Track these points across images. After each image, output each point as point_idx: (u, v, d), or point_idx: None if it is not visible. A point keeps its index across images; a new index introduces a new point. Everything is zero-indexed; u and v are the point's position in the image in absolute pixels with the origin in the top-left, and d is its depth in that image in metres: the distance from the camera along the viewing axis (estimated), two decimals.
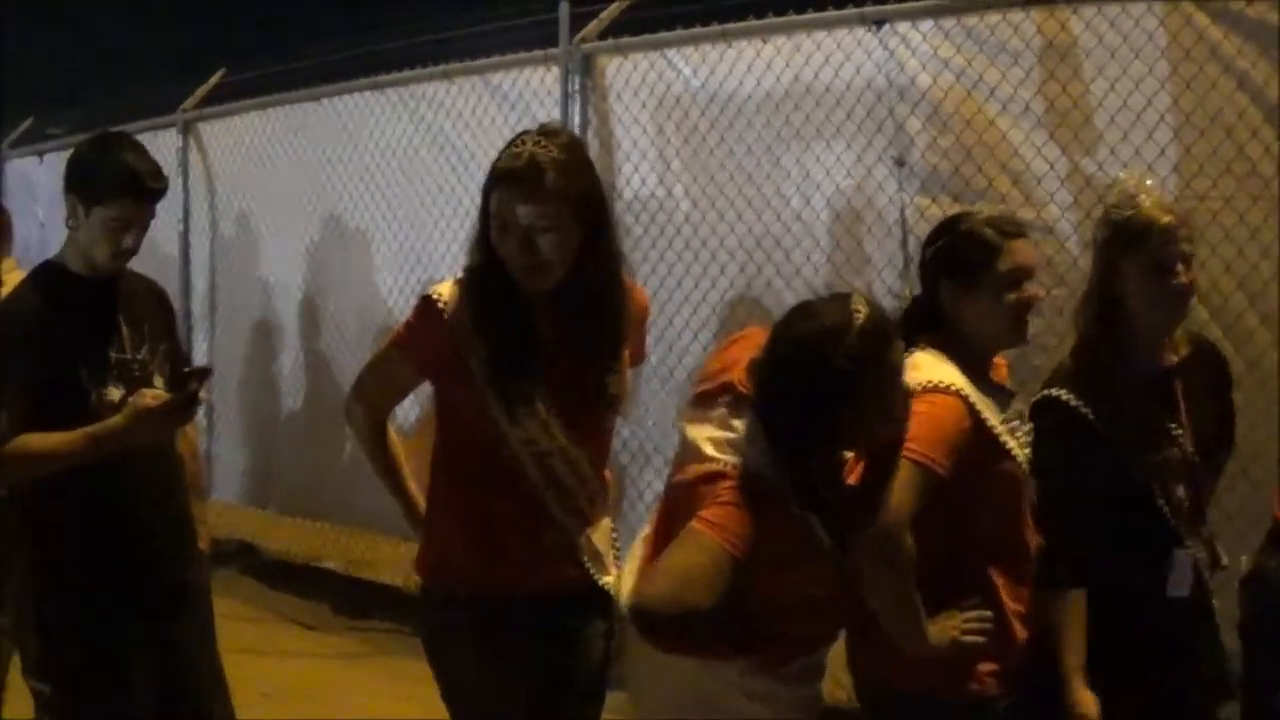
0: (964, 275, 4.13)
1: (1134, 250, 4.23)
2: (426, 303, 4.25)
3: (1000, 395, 4.21)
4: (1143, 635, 4.27)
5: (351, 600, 10.15)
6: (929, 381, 4.00)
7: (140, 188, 4.83)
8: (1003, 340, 4.21)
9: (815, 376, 3.75)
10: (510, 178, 4.04)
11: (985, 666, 4.09)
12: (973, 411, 4.03)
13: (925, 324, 4.22)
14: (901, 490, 3.85)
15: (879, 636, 4.02)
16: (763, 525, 3.76)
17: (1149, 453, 4.29)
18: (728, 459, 3.92)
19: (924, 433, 3.91)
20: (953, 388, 4.02)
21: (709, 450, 3.97)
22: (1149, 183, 4.44)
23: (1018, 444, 4.14)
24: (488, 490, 4.23)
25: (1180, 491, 4.36)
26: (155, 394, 4.80)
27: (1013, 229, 4.16)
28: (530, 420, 4.15)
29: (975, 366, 4.15)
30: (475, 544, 4.25)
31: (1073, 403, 4.25)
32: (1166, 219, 4.24)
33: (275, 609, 10.16)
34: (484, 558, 4.23)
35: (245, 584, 10.67)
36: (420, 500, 4.53)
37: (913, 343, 4.12)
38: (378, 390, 4.49)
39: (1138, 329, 4.31)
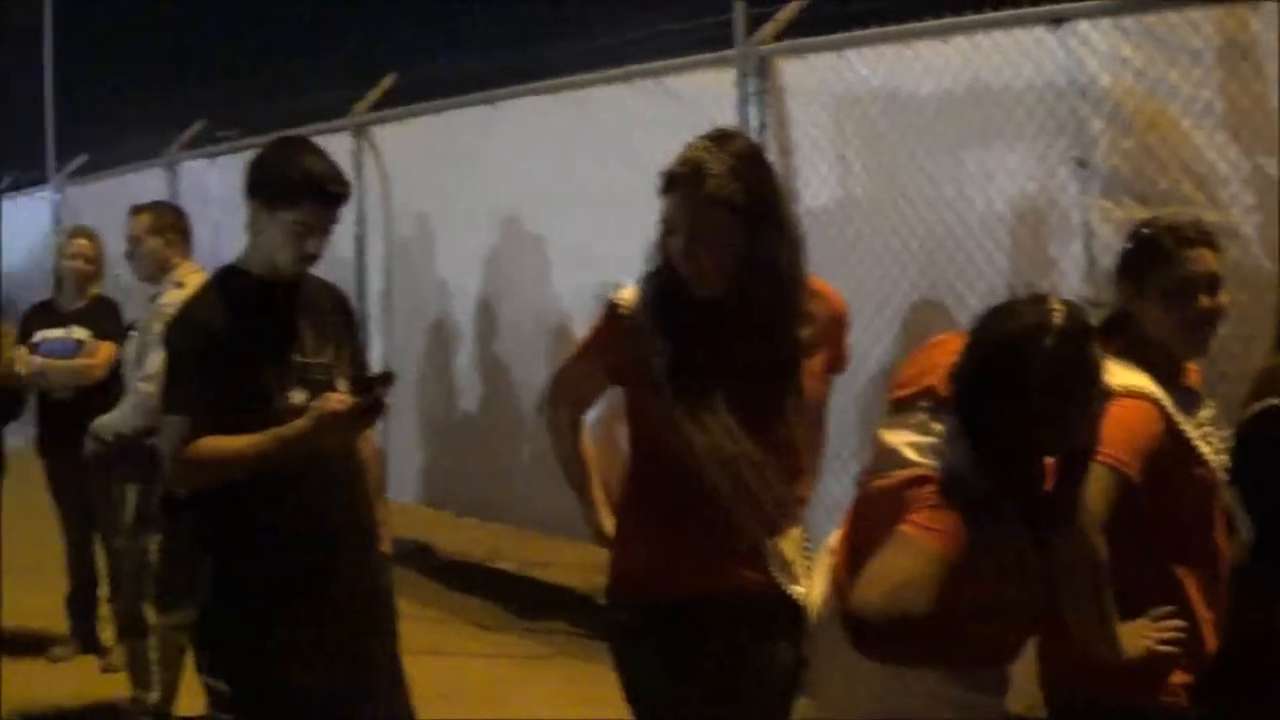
0: (1137, 281, 4.22)
1: None
2: (610, 308, 4.38)
3: (1191, 399, 4.25)
4: None
5: (528, 601, 10.29)
6: (1121, 386, 4.00)
7: (324, 192, 4.92)
8: (1180, 350, 4.24)
9: (1017, 376, 3.74)
10: (675, 181, 4.17)
11: (1178, 677, 4.12)
12: (1165, 415, 4.07)
13: (1116, 329, 4.22)
14: (1093, 495, 3.87)
15: (1071, 644, 4.03)
16: (971, 528, 3.74)
17: None
18: (930, 463, 3.90)
19: (1115, 436, 3.92)
20: (1145, 392, 4.06)
21: (910, 455, 3.94)
22: None
23: (1211, 449, 4.17)
24: (674, 495, 4.30)
25: None
26: (340, 398, 4.86)
27: (1193, 236, 4.20)
28: (714, 425, 4.19)
29: (1164, 371, 4.18)
30: (662, 548, 4.34)
31: None
32: None
33: (452, 609, 10.30)
34: (670, 562, 4.32)
35: (422, 584, 10.77)
36: (603, 506, 4.65)
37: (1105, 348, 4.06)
38: (571, 393, 4.63)
39: None
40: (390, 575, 5.51)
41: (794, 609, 4.34)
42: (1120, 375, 4.03)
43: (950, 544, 3.72)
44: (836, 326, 4.54)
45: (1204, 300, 4.15)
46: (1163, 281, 4.14)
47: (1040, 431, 3.84)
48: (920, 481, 3.89)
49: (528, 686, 8.54)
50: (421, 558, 11.57)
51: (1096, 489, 3.89)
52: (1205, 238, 4.21)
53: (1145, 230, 4.28)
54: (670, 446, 4.25)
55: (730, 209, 4.10)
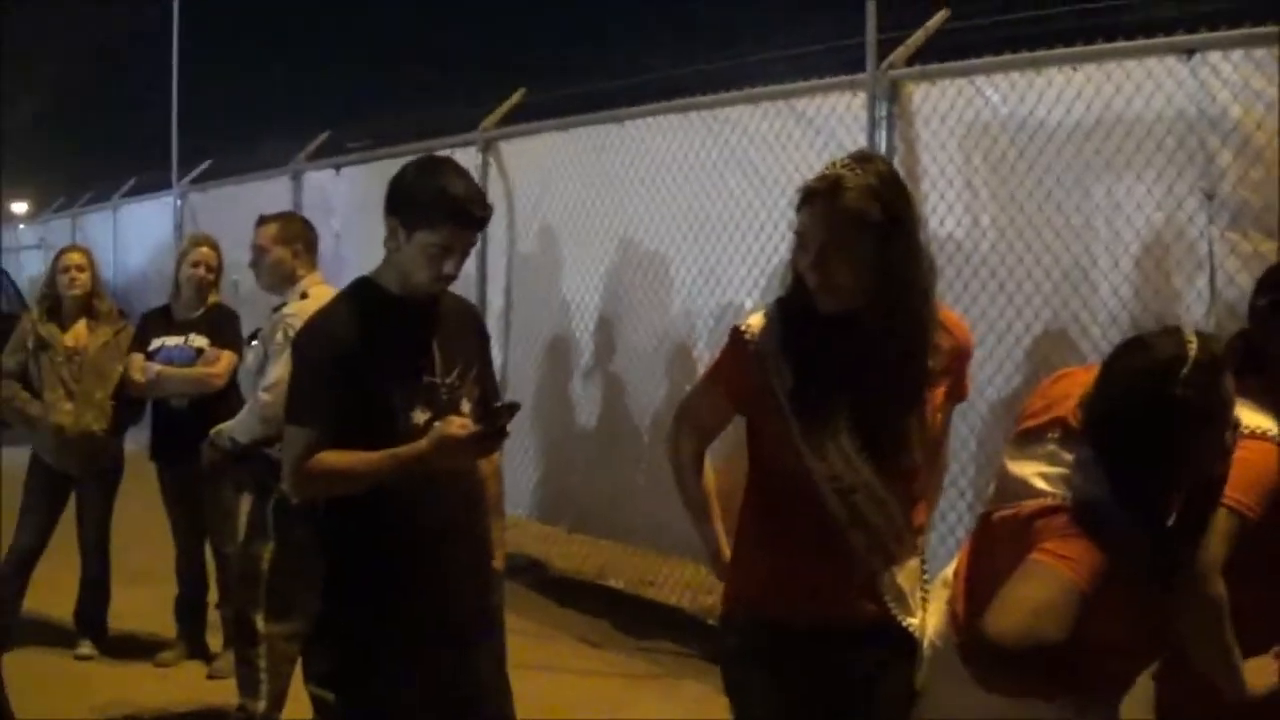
0: None
1: None
2: (735, 334, 4.41)
3: None
4: None
5: (637, 619, 10.32)
6: (1246, 427, 4.03)
7: (465, 215, 4.91)
8: None
9: (1153, 406, 3.80)
10: (812, 195, 4.20)
11: None
12: None
13: (1248, 366, 4.22)
14: (1215, 536, 3.89)
15: (1192, 678, 4.04)
16: (1105, 558, 3.77)
17: None
18: (1061, 493, 3.95)
19: (1238, 478, 3.94)
20: (1270, 434, 4.07)
21: (1040, 484, 4.00)
22: None
23: None
24: (792, 523, 4.35)
25: None
26: (463, 423, 4.88)
27: None
28: (834, 453, 4.25)
29: None
30: (777, 575, 4.38)
31: None
32: None
33: (561, 625, 10.36)
34: (786, 589, 4.36)
35: (532, 599, 10.86)
36: (724, 540, 4.66)
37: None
38: (696, 423, 4.66)
39: None
40: (502, 591, 5.54)
41: (909, 641, 4.36)
42: (1246, 416, 4.05)
43: (1084, 573, 3.75)
44: (961, 358, 4.55)
45: None
46: None
47: (1175, 462, 3.89)
48: (1052, 511, 3.93)
49: (635, 705, 8.56)
50: (533, 573, 11.68)
51: (1218, 532, 3.90)
52: None
53: None
54: (791, 472, 4.31)
55: (865, 223, 4.13)
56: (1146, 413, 3.84)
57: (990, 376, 7.61)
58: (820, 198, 4.18)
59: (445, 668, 5.12)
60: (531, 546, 11.95)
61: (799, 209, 4.25)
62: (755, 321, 4.40)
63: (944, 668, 4.19)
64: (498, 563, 5.48)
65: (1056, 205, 7.44)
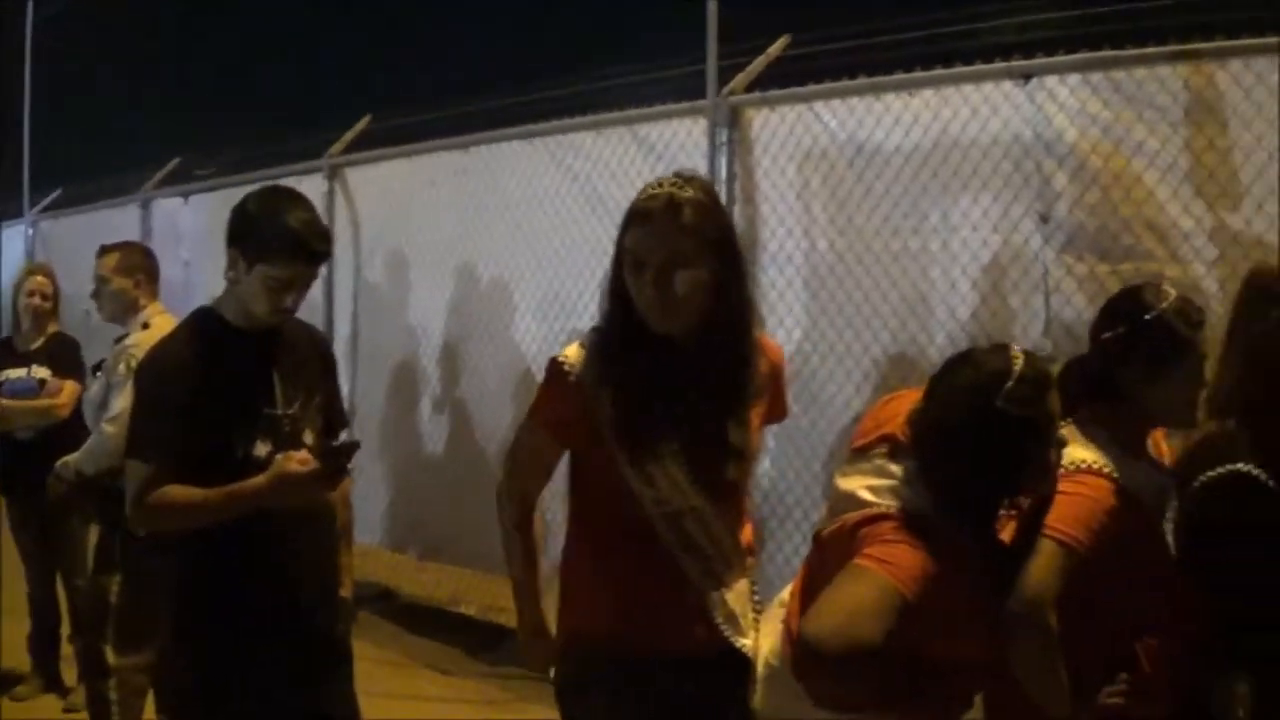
0: (1154, 365, 4.20)
1: None
2: (554, 366, 4.29)
3: (1154, 469, 4.29)
4: None
5: (488, 645, 10.21)
6: (1080, 462, 4.09)
7: (305, 251, 4.82)
8: (1177, 421, 4.32)
9: (975, 418, 3.86)
10: (648, 215, 4.09)
11: None
12: (1121, 492, 4.08)
13: (1089, 393, 4.29)
14: (1046, 570, 3.93)
15: (1020, 701, 4.04)
16: (929, 563, 3.77)
17: None
18: (887, 503, 3.96)
19: (1071, 513, 3.99)
20: (1104, 470, 4.09)
21: (867, 496, 4.00)
22: None
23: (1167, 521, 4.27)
24: (621, 551, 4.25)
25: None
26: (302, 458, 4.80)
27: (1198, 318, 4.25)
28: (662, 479, 4.17)
29: (1135, 443, 4.25)
30: (610, 606, 4.28)
31: (1263, 477, 4.19)
32: None
33: (413, 653, 10.28)
34: (618, 619, 4.26)
35: (383, 627, 10.77)
36: (544, 615, 4.54)
37: (1071, 410, 4.20)
38: (526, 468, 4.47)
39: None
40: (350, 620, 5.46)
41: (741, 662, 4.30)
42: (1081, 451, 4.13)
43: (904, 577, 3.75)
44: (776, 377, 4.50)
45: (1203, 377, 4.25)
46: (1185, 368, 4.20)
47: (997, 474, 3.94)
48: (876, 519, 3.93)
49: None
50: (383, 601, 11.56)
51: (1050, 565, 3.93)
52: (1203, 318, 4.29)
53: (1154, 315, 4.23)
54: (619, 501, 4.22)
55: (704, 240, 4.09)
56: (969, 423, 3.88)
57: (831, 397, 7.63)
58: (658, 215, 4.08)
59: (295, 697, 5.02)
60: (382, 575, 11.79)
61: (629, 228, 4.15)
62: (573, 352, 4.30)
63: (780, 687, 4.12)
64: (345, 591, 5.40)
65: (894, 229, 7.47)
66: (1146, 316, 4.22)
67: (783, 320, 7.87)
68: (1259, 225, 6.17)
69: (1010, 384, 3.85)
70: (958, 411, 3.91)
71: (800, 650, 3.83)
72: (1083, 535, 3.96)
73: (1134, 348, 4.22)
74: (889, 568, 3.76)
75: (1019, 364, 3.89)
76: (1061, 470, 4.07)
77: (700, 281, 4.10)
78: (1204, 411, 4.39)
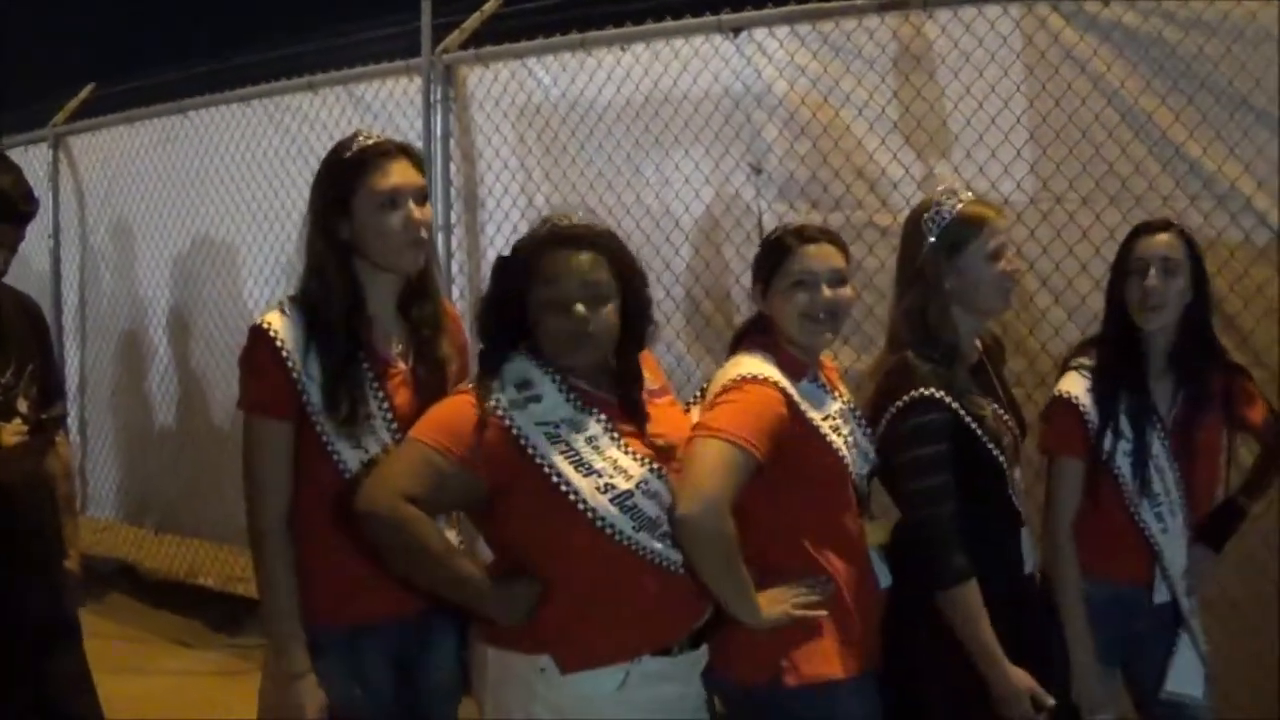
0: (767, 280, 4.23)
1: (970, 243, 4.29)
2: (259, 334, 3.98)
3: (823, 395, 4.25)
4: (1006, 613, 4.20)
5: (228, 617, 9.86)
6: (747, 374, 4.06)
7: (10, 211, 4.63)
8: (800, 340, 4.22)
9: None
10: (386, 152, 3.98)
11: (829, 647, 4.09)
12: (790, 402, 4.06)
13: (755, 328, 4.31)
14: (721, 473, 3.83)
15: (721, 630, 4.01)
16: (470, 416, 3.77)
17: (1000, 439, 4.28)
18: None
19: (741, 419, 3.93)
20: (768, 379, 4.06)
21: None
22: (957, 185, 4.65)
23: (840, 438, 4.16)
24: (338, 518, 3.94)
25: (1017, 474, 4.43)
26: (14, 430, 4.62)
27: (815, 234, 4.23)
28: (374, 444, 3.99)
29: (797, 367, 4.19)
30: (349, 580, 4.01)
31: (947, 399, 4.17)
32: (992, 212, 4.37)
33: (153, 628, 9.88)
34: (360, 591, 4.02)
35: (124, 603, 10.38)
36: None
37: (742, 346, 4.26)
38: (274, 479, 4.02)
39: (965, 322, 4.38)
40: (77, 592, 5.21)
41: (457, 618, 4.10)
42: (748, 365, 4.11)
43: (432, 432, 3.80)
44: (464, 351, 4.34)
45: (826, 292, 4.16)
46: (788, 276, 4.18)
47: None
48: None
49: (228, 702, 7.93)
50: (123, 576, 11.05)
51: (723, 466, 3.85)
52: (828, 235, 4.27)
53: (773, 235, 4.32)
54: (333, 472, 3.97)
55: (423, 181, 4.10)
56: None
57: None
58: (404, 153, 4.03)
59: (21, 670, 4.82)
60: (121, 549, 11.30)
61: (362, 172, 3.96)
62: (275, 319, 3.98)
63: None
64: (71, 563, 5.15)
65: (608, 183, 7.35)
66: (770, 236, 4.34)
67: None
68: (968, 172, 6.14)
69: (525, 240, 3.92)
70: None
71: (357, 516, 3.84)
72: (753, 438, 3.91)
73: (754, 266, 4.32)
74: (417, 428, 3.86)
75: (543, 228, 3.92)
76: (729, 380, 4.06)
77: (430, 221, 4.05)
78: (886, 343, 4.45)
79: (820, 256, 4.17)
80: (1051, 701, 4.16)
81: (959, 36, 6.17)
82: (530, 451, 3.76)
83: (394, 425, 3.98)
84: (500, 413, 3.77)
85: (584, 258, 3.83)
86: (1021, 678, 4.12)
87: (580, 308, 3.78)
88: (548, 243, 3.83)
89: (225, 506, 9.27)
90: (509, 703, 3.87)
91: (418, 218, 3.96)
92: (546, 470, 3.76)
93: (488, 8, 8.01)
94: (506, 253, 3.89)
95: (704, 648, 4.03)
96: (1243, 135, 5.65)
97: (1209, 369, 4.68)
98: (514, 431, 3.77)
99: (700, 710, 4.08)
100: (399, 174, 3.95)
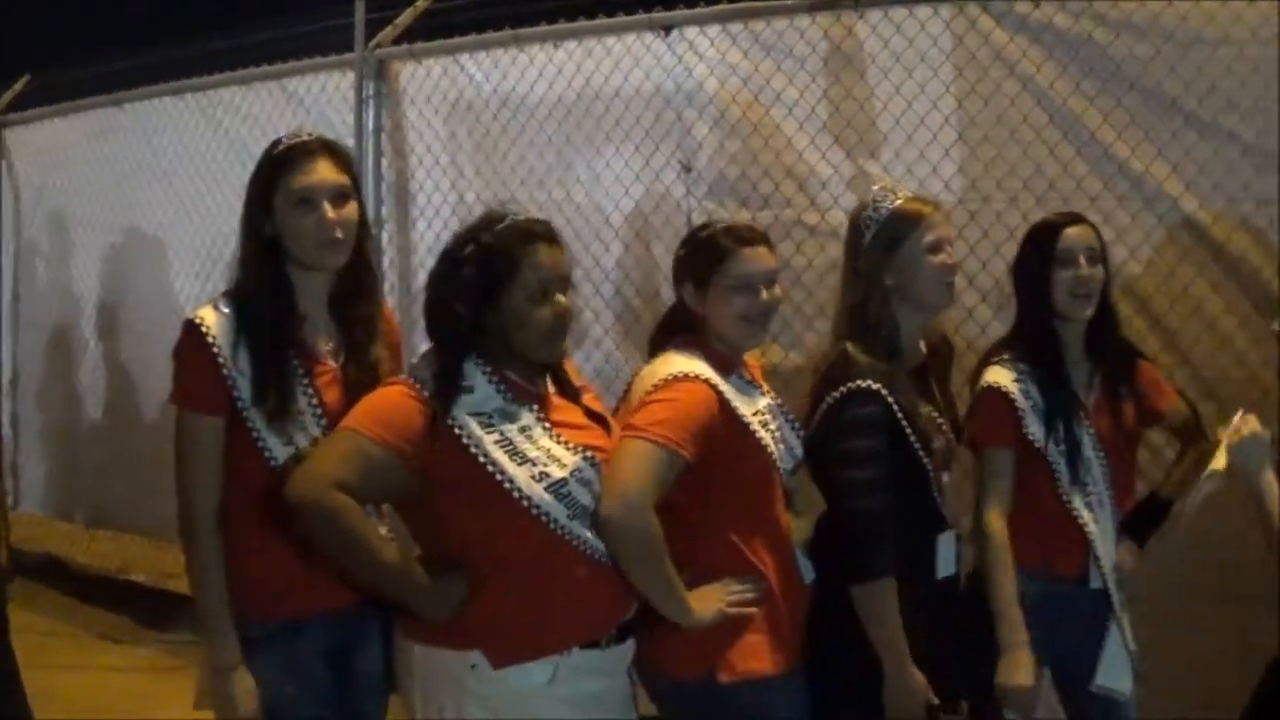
0: (698, 278, 4.20)
1: (908, 238, 4.28)
2: (192, 329, 3.95)
3: (752, 391, 4.25)
4: (919, 615, 4.19)
5: (160, 613, 9.67)
6: (679, 372, 4.04)
7: None
8: (740, 341, 4.23)
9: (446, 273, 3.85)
10: (309, 151, 3.98)
11: (760, 643, 4.09)
12: (722, 400, 4.06)
13: (679, 327, 4.29)
14: (646, 473, 3.81)
15: (653, 625, 3.98)
16: (406, 406, 3.72)
17: (929, 442, 4.28)
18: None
19: (671, 417, 3.91)
20: (700, 377, 4.04)
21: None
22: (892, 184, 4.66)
23: (768, 434, 4.16)
24: (267, 514, 3.92)
25: (945, 478, 4.44)
26: None
27: (747, 236, 4.21)
28: (300, 437, 3.96)
29: (725, 364, 4.18)
30: (282, 576, 3.99)
31: (884, 393, 4.15)
32: (929, 207, 4.36)
33: (83, 623, 9.76)
34: (291, 587, 3.99)
35: (54, 599, 10.21)
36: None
37: (668, 344, 4.24)
38: (205, 473, 3.99)
39: (907, 318, 4.35)
40: (5, 587, 5.24)
41: (383, 613, 4.06)
42: (679, 363, 4.09)
43: (374, 426, 3.72)
44: (398, 342, 4.38)
45: (764, 295, 4.17)
46: (728, 278, 4.15)
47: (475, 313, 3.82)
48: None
49: (159, 698, 7.90)
50: (53, 571, 10.85)
51: (649, 466, 3.83)
52: (762, 237, 4.26)
53: (703, 233, 4.29)
54: (264, 469, 3.95)
55: (354, 183, 4.07)
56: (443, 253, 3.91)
57: None
58: (317, 151, 4.00)
59: None
60: (52, 544, 11.08)
61: (282, 171, 3.98)
62: (208, 314, 3.95)
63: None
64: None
65: (539, 180, 7.30)
66: (701, 234, 4.29)
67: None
68: (896, 171, 6.13)
69: (470, 246, 3.80)
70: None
71: (287, 503, 3.75)
72: (679, 436, 3.89)
73: (684, 265, 4.30)
74: (355, 418, 3.77)
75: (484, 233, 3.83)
76: (660, 379, 4.04)
77: (354, 220, 4.02)
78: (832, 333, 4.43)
79: (758, 259, 4.16)
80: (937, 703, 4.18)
81: (889, 36, 6.15)
82: (465, 441, 3.72)
83: (323, 421, 3.96)
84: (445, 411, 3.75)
85: (556, 250, 3.84)
86: (919, 681, 4.12)
87: (562, 298, 3.83)
88: (528, 236, 3.79)
89: (157, 501, 9.14)
90: (442, 700, 3.83)
91: (331, 217, 3.92)
92: (482, 460, 3.71)
93: (421, 4, 7.92)
94: (486, 240, 3.79)
95: (630, 642, 3.99)
96: (1171, 136, 5.65)
97: (1123, 357, 4.72)
98: (449, 422, 3.72)
99: (626, 704, 4.04)
100: (317, 173, 3.93)
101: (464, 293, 3.76)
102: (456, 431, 3.71)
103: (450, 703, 3.80)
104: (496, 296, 3.76)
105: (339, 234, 3.94)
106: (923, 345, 4.48)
